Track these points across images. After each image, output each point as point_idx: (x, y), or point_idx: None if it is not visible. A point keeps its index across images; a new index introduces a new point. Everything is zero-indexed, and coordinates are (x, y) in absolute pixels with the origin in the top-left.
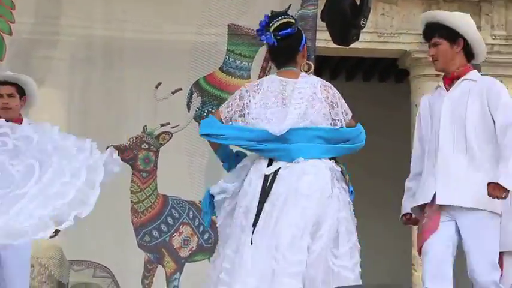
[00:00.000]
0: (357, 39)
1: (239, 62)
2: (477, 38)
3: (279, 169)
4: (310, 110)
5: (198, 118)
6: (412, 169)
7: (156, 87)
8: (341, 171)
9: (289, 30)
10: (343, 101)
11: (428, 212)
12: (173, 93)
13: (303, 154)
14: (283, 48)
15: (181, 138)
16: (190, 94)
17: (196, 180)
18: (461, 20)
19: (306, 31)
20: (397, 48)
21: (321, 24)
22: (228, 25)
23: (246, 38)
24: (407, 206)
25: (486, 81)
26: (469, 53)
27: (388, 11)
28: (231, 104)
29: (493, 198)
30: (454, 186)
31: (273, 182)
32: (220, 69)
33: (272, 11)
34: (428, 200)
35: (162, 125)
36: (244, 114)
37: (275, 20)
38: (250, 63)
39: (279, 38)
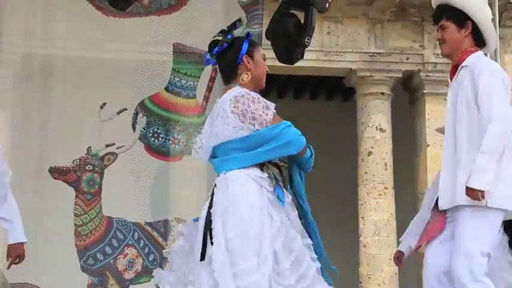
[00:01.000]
0: (302, 57)
1: (184, 81)
2: (486, 22)
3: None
4: (219, 126)
5: (143, 138)
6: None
7: (101, 107)
8: (268, 176)
9: (216, 48)
10: (258, 104)
11: (434, 212)
12: (118, 113)
13: (221, 168)
14: (221, 66)
15: (127, 158)
16: (136, 114)
17: (142, 200)
18: (470, 2)
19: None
20: (342, 67)
21: (267, 42)
22: (174, 44)
23: (192, 57)
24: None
25: (473, 64)
26: (479, 39)
27: (333, 30)
28: None
29: (474, 200)
30: (447, 186)
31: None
32: (166, 89)
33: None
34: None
35: (107, 146)
36: None
37: (210, 43)
38: (196, 83)
39: (214, 57)
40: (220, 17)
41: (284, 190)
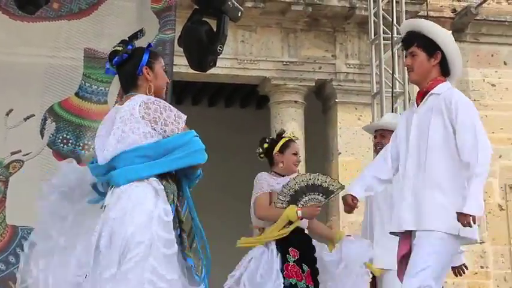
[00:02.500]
0: (214, 65)
1: (95, 87)
2: (457, 53)
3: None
4: (127, 132)
5: (51, 145)
6: (378, 163)
7: (7, 114)
8: (165, 190)
9: (116, 58)
10: (170, 112)
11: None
12: (25, 119)
13: (121, 178)
14: (120, 76)
15: (34, 165)
16: (44, 120)
17: None
18: (442, 33)
19: (165, 56)
20: (256, 75)
21: (179, 49)
22: (84, 49)
23: (103, 62)
24: (356, 189)
25: (448, 94)
26: (445, 68)
27: (247, 38)
28: None
29: (464, 226)
30: (415, 209)
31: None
32: (76, 94)
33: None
34: (401, 230)
35: (13, 153)
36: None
37: (110, 52)
38: (107, 88)
39: (114, 67)
40: (132, 22)
41: (176, 206)
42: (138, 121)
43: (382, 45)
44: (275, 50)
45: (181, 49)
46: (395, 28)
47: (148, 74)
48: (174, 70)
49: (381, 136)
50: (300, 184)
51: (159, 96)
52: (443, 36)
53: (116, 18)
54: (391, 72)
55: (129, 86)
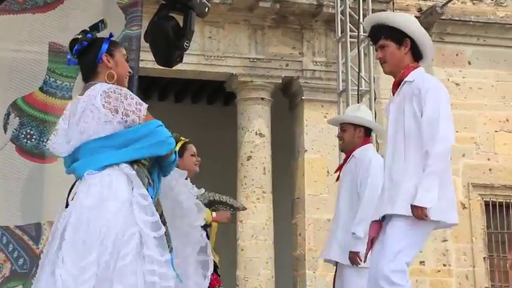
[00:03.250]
0: (181, 61)
1: (60, 82)
2: (424, 37)
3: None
4: (89, 122)
5: (15, 140)
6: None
7: None
8: (138, 174)
9: (76, 47)
10: (131, 100)
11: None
12: None
13: (84, 169)
14: (81, 65)
15: None
16: (7, 115)
17: (12, 204)
18: (406, 20)
19: (131, 51)
20: (223, 72)
21: (146, 44)
22: (49, 43)
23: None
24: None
25: (419, 81)
26: (417, 53)
27: (214, 35)
28: None
29: (419, 219)
30: (390, 195)
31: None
32: (41, 89)
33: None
34: (378, 218)
35: None
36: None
37: (70, 40)
38: (72, 83)
39: (75, 57)
40: (98, 17)
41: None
42: (100, 110)
43: (348, 43)
44: (242, 46)
45: (148, 44)
46: (361, 26)
47: (108, 61)
48: (140, 65)
49: (342, 130)
50: (208, 199)
51: (120, 84)
52: (408, 22)
53: (81, 13)
54: (357, 70)
55: (89, 74)
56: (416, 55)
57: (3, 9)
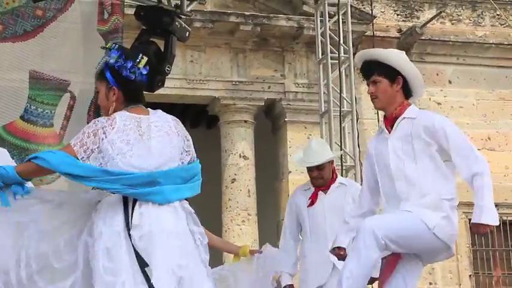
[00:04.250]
0: (162, 85)
1: (41, 110)
2: (416, 75)
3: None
4: (168, 144)
5: None
6: (357, 207)
7: None
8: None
9: (147, 68)
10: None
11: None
12: None
13: (177, 195)
14: (138, 84)
15: None
16: None
17: None
18: (400, 58)
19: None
20: (206, 95)
21: None
22: (29, 71)
23: (49, 85)
24: (342, 239)
25: (426, 117)
26: (407, 89)
27: (196, 58)
28: (85, 142)
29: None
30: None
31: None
32: (22, 117)
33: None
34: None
35: None
36: (102, 151)
37: (141, 57)
38: (53, 111)
39: (144, 73)
40: (78, 44)
41: None
42: (178, 135)
43: (329, 65)
44: (224, 70)
45: None
46: (342, 48)
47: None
48: None
49: (318, 169)
50: None
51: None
52: (400, 60)
53: (61, 40)
54: (338, 91)
55: (141, 98)
56: (406, 92)
57: None
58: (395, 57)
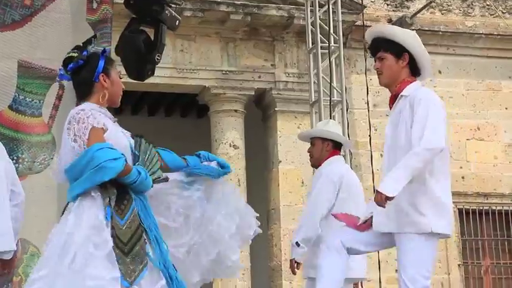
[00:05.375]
0: (152, 74)
1: (30, 99)
2: (423, 53)
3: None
4: (62, 148)
5: None
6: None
7: None
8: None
9: (71, 65)
10: (81, 124)
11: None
12: None
13: (69, 196)
14: (75, 83)
15: None
16: None
17: None
18: (407, 35)
19: None
20: (196, 84)
21: (116, 58)
22: (18, 61)
23: (37, 74)
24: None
25: (414, 94)
26: (415, 68)
27: (186, 48)
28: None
29: (378, 205)
30: (386, 210)
31: None
32: (10, 107)
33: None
34: (380, 231)
35: None
36: None
37: (64, 57)
38: (41, 101)
39: (69, 73)
40: (67, 33)
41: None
42: (64, 137)
43: (319, 54)
44: (214, 59)
45: (120, 59)
46: (332, 37)
47: (104, 80)
48: None
49: (312, 145)
50: None
51: (113, 103)
52: (408, 38)
53: (50, 30)
54: (329, 81)
55: (83, 94)
56: (414, 71)
57: None
58: (402, 33)
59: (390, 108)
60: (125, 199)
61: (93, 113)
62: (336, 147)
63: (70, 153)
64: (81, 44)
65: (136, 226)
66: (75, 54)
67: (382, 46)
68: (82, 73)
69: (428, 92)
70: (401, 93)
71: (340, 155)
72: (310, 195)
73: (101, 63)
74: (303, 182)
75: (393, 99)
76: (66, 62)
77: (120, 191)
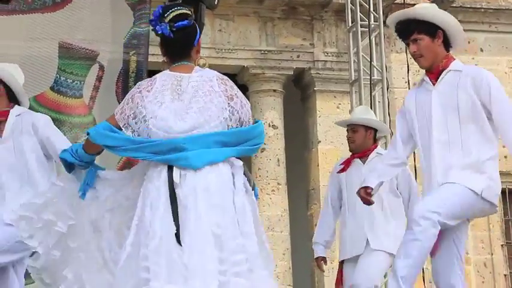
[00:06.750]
0: None
1: (71, 80)
2: (456, 24)
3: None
4: (209, 104)
5: None
6: (390, 157)
7: None
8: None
9: (185, 22)
10: (241, 93)
11: None
12: None
13: (201, 160)
14: (179, 41)
15: None
16: None
17: None
18: (437, 11)
19: (140, 48)
20: (235, 64)
21: (156, 39)
22: (59, 42)
23: (78, 55)
24: (371, 180)
25: (471, 71)
26: (447, 42)
27: (225, 28)
28: (124, 109)
29: None
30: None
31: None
32: (51, 88)
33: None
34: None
35: None
36: (136, 116)
37: (171, 10)
38: (82, 82)
39: (174, 29)
40: (106, 14)
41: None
42: (219, 95)
43: (359, 33)
44: (253, 39)
45: (159, 38)
46: (372, 15)
47: (198, 47)
48: (151, 60)
49: (352, 131)
50: None
51: None
52: (437, 14)
53: (90, 11)
54: (369, 59)
55: (183, 54)
56: (447, 45)
57: (12, 10)
58: (432, 12)
59: (433, 84)
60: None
61: None
62: (375, 135)
63: (224, 112)
64: (183, 4)
65: None
66: (189, 13)
67: (415, 28)
68: (184, 33)
69: (486, 71)
70: (449, 68)
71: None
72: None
73: (198, 30)
74: None
75: (436, 75)
76: (178, 18)
77: None
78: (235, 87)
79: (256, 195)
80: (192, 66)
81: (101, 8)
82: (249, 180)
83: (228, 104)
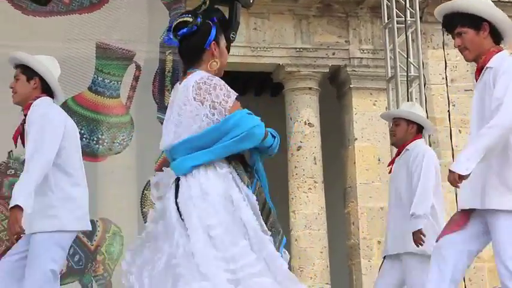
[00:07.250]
0: (228, 52)
1: (108, 81)
2: (502, 16)
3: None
4: (182, 115)
5: None
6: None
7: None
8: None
9: (184, 30)
10: (219, 91)
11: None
12: None
13: (180, 170)
14: (185, 49)
15: None
16: None
17: None
18: (480, 3)
19: (176, 47)
20: (270, 62)
21: None
22: (96, 44)
23: (115, 55)
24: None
25: (497, 67)
26: (496, 35)
27: (260, 26)
28: None
29: (451, 184)
30: (476, 187)
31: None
32: (89, 88)
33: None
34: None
35: None
36: None
37: (175, 21)
38: (119, 82)
39: (178, 38)
40: (142, 15)
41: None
42: (191, 103)
43: (395, 29)
44: (288, 36)
45: None
46: (408, 11)
47: (215, 49)
48: None
49: (395, 124)
50: None
51: (219, 74)
52: (481, 6)
53: (126, 11)
54: (405, 56)
55: (192, 60)
56: (497, 37)
57: (50, 11)
58: (476, 3)
59: (476, 80)
60: (247, 171)
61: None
62: (419, 130)
63: (197, 119)
64: (194, 10)
65: (264, 198)
66: (191, 20)
67: (458, 21)
68: (194, 39)
69: (511, 64)
70: (487, 65)
71: (422, 138)
72: (417, 175)
73: (213, 31)
74: (379, 160)
75: (479, 72)
76: (179, 26)
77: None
78: (213, 85)
79: (283, 243)
80: (191, 73)
81: (138, 8)
82: (275, 228)
83: (201, 105)
